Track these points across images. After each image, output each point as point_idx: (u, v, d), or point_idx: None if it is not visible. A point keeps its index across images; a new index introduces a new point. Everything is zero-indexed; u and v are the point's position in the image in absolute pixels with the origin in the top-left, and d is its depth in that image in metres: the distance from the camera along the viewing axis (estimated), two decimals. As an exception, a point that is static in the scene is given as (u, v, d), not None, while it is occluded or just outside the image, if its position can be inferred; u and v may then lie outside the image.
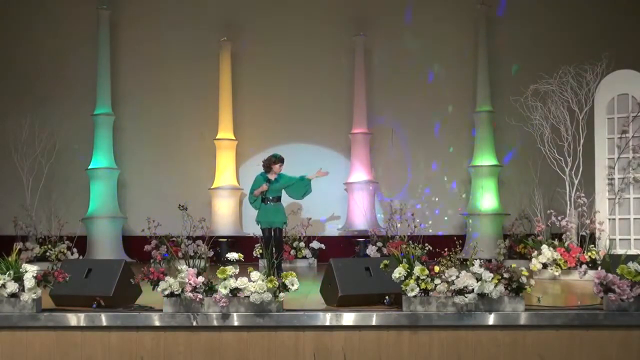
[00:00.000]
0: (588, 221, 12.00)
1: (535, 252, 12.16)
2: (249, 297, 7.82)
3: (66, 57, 16.31)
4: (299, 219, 15.17)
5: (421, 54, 16.49)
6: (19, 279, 7.95)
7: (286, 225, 11.88)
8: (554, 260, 11.90)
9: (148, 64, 16.52)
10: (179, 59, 16.51)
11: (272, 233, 11.46)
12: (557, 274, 11.86)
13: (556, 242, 12.14)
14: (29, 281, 7.90)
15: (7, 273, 7.96)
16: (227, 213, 16.10)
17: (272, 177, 11.59)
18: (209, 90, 16.37)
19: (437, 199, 16.27)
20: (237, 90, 16.51)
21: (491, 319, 7.79)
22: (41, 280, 8.00)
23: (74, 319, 7.94)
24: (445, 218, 16.22)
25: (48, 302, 8.34)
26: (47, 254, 13.99)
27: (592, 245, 11.95)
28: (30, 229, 14.66)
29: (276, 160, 11.65)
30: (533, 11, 16.22)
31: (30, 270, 8.00)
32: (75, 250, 14.32)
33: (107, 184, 15.84)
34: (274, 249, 11.14)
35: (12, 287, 7.91)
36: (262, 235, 11.66)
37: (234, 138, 16.39)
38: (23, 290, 7.92)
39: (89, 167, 15.80)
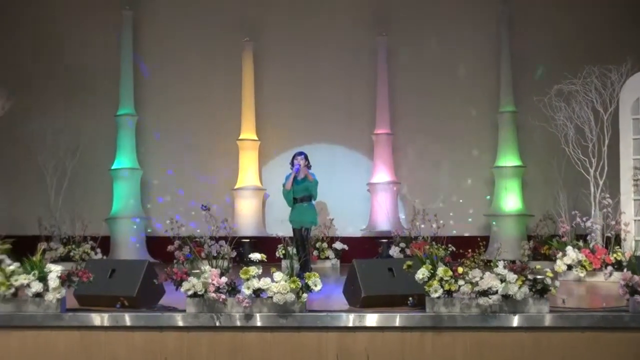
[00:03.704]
0: (613, 222, 11.91)
1: (560, 254, 12.09)
2: (272, 297, 7.83)
3: (89, 58, 16.34)
4: (322, 219, 15.14)
5: (444, 54, 16.40)
6: (43, 278, 8.02)
7: (315, 225, 11.97)
8: (579, 261, 11.83)
9: (170, 64, 16.54)
10: (201, 60, 16.53)
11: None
12: (582, 275, 11.79)
13: (581, 244, 12.07)
14: (53, 281, 7.96)
15: (32, 273, 8.03)
16: (250, 213, 16.11)
17: (300, 176, 11.66)
18: (231, 90, 16.36)
19: (460, 200, 16.20)
20: (259, 90, 16.52)
21: (515, 321, 7.77)
22: (65, 280, 8.06)
23: (97, 319, 7.99)
24: (469, 219, 16.14)
25: (72, 302, 8.40)
26: (71, 254, 14.06)
27: (618, 247, 11.86)
28: (54, 229, 14.74)
29: (295, 155, 11.80)
30: (556, 11, 16.10)
31: (55, 270, 8.07)
32: (99, 250, 14.39)
33: (130, 185, 15.90)
34: (299, 248, 11.24)
35: (37, 287, 7.97)
36: (292, 235, 11.75)
37: (256, 138, 16.40)
38: (47, 290, 7.98)
39: (112, 168, 15.87)
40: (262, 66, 16.59)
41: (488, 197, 16.22)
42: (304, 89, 16.56)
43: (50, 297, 7.96)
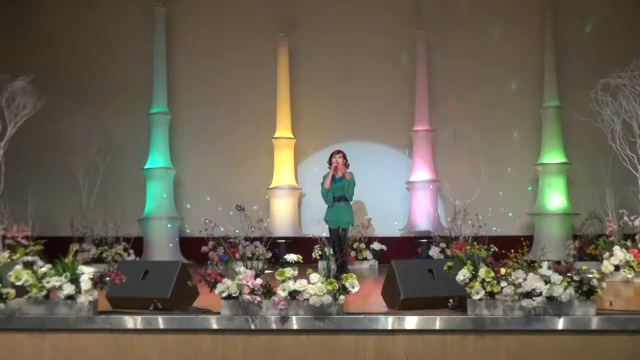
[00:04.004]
0: (663, 221, 11.77)
1: (607, 254, 11.94)
2: (308, 299, 7.83)
3: (122, 56, 16.48)
4: (359, 219, 15.12)
5: (485, 48, 16.31)
6: (75, 280, 8.07)
7: (351, 225, 11.97)
8: (627, 262, 11.67)
9: (204, 61, 16.63)
10: (236, 56, 16.58)
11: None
12: (630, 276, 11.63)
13: (629, 243, 11.92)
14: (85, 283, 8.01)
15: (64, 275, 8.08)
16: (285, 213, 16.14)
17: (338, 174, 11.66)
18: (266, 87, 16.42)
19: (502, 198, 16.08)
20: (295, 87, 16.55)
21: (560, 324, 7.70)
22: (97, 282, 8.10)
23: (130, 321, 8.03)
24: (513, 218, 16.02)
25: (104, 304, 8.44)
26: (104, 255, 14.16)
27: (668, 247, 11.71)
28: (86, 230, 14.84)
29: (333, 153, 11.82)
30: (602, 1, 15.95)
31: (87, 272, 8.12)
32: (131, 251, 14.47)
33: (164, 184, 16.01)
34: (336, 249, 11.24)
35: (69, 289, 8.02)
36: (329, 235, 11.76)
37: (292, 136, 16.43)
38: (79, 292, 8.03)
39: (145, 167, 15.98)
40: (297, 62, 16.62)
41: (530, 187, 16.09)
42: (340, 85, 16.57)
43: (83, 299, 8.01)
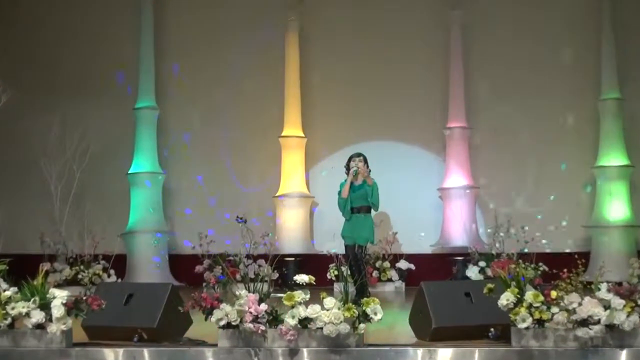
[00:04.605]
0: None
1: (679, 274, 11.94)
2: (322, 328, 7.82)
3: (102, 43, 16.52)
4: (383, 233, 15.09)
5: (531, 31, 16.28)
6: (45, 306, 8.07)
7: (371, 242, 11.96)
8: (703, 283, 11.65)
9: (199, 47, 16.66)
10: (237, 42, 16.62)
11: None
12: None
13: None
14: (57, 309, 8.00)
15: (32, 300, 8.08)
16: (295, 226, 16.12)
17: (358, 181, 11.67)
18: (273, 78, 16.43)
19: (553, 208, 16.04)
20: (306, 78, 16.54)
21: (623, 356, 7.68)
22: (72, 308, 8.10)
23: (111, 355, 8.04)
24: (565, 231, 15.97)
25: (80, 335, 8.45)
26: (80, 276, 14.19)
27: None
28: (59, 246, 14.88)
29: (352, 157, 11.85)
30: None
31: (60, 297, 8.11)
32: (112, 272, 14.49)
33: (151, 192, 16.01)
34: (353, 268, 11.24)
35: (38, 316, 8.02)
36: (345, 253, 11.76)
37: (303, 135, 16.42)
38: (50, 320, 8.03)
39: (129, 172, 16.00)
40: (309, 49, 16.64)
41: (588, 188, 16.05)
42: (360, 76, 16.57)
43: (54, 328, 8.01)
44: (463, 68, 16.18)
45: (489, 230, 15.43)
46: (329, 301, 7.93)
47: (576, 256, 8.61)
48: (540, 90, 16.24)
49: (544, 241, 14.57)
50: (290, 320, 7.88)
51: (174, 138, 16.72)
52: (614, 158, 15.65)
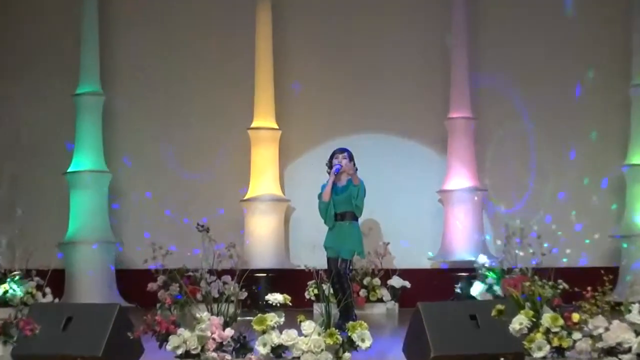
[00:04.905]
0: None
1: None
2: (299, 358, 7.82)
3: (38, 20, 16.50)
4: (373, 243, 15.10)
5: (548, 4, 16.34)
6: (-33, 332, 8.04)
7: (359, 255, 11.95)
8: None
9: (153, 25, 16.70)
10: (198, 19, 16.69)
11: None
12: None
13: None
14: (-19, 335, 7.99)
15: (-49, 323, 8.06)
16: (267, 236, 16.10)
17: (342, 182, 11.66)
18: (240, 60, 16.50)
19: (574, 214, 16.08)
20: (280, 59, 16.54)
21: (658, 392, 7.70)
22: (0, 333, 8.06)
23: (46, 389, 8.01)
24: (590, 242, 16.02)
25: (9, 366, 8.42)
26: (8, 295, 14.14)
27: None
28: (-17, 259, 14.86)
29: (334, 153, 11.85)
30: None
31: (-16, 320, 8.09)
32: (48, 290, 14.44)
33: (95, 195, 15.97)
34: (337, 286, 11.23)
35: (-42, 344, 8.00)
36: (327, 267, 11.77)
37: (276, 127, 16.41)
38: (-27, 348, 8.01)
39: (68, 170, 15.95)
40: (284, 25, 16.64)
41: (615, 206, 16.10)
42: (344, 56, 16.63)
43: (-22, 358, 7.99)
44: (467, 47, 16.18)
45: (498, 241, 15.46)
46: (308, 325, 7.93)
47: (602, 271, 8.63)
48: (559, 75, 16.29)
49: (568, 251, 14.62)
50: (261, 349, 7.88)
51: (122, 131, 16.67)
52: (646, 155, 15.73)
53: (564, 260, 14.77)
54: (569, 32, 16.30)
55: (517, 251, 14.28)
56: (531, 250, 13.82)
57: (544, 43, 16.30)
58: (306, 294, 14.56)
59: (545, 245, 13.79)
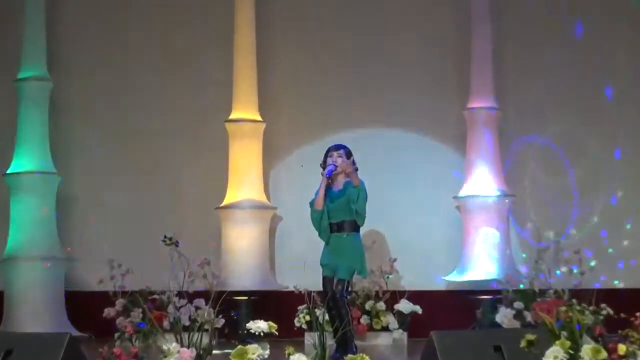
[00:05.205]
0: None
1: None
2: (288, 399, 7.80)
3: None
4: (377, 260, 15.06)
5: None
6: None
7: (360, 274, 11.91)
8: None
9: (112, 4, 16.69)
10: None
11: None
12: None
13: None
14: None
15: None
16: (248, 250, 16.08)
17: (337, 185, 11.71)
18: (217, 44, 16.64)
19: (619, 226, 16.07)
20: (264, 42, 16.57)
21: None
22: None
23: None
24: (636, 261, 16.02)
25: (-64, 409, 8.39)
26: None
27: None
28: None
29: (329, 150, 11.85)
30: None
31: None
32: (-16, 316, 14.49)
33: (40, 201, 15.93)
34: (333, 312, 11.20)
35: None
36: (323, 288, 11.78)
37: (260, 119, 16.38)
38: None
39: (8, 172, 15.92)
40: (268, 4, 16.62)
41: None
42: (342, 39, 16.69)
43: None
44: (490, 30, 16.17)
45: (526, 258, 15.45)
46: (298, 359, 7.89)
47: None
48: (592, 64, 16.30)
49: (607, 279, 14.62)
50: (242, 387, 7.86)
51: (74, 125, 16.66)
52: None
53: (616, 282, 14.77)
54: (603, 19, 16.36)
55: (550, 269, 14.30)
56: (569, 269, 13.83)
57: (572, 31, 16.33)
58: (296, 321, 14.59)
59: (592, 264, 13.82)
